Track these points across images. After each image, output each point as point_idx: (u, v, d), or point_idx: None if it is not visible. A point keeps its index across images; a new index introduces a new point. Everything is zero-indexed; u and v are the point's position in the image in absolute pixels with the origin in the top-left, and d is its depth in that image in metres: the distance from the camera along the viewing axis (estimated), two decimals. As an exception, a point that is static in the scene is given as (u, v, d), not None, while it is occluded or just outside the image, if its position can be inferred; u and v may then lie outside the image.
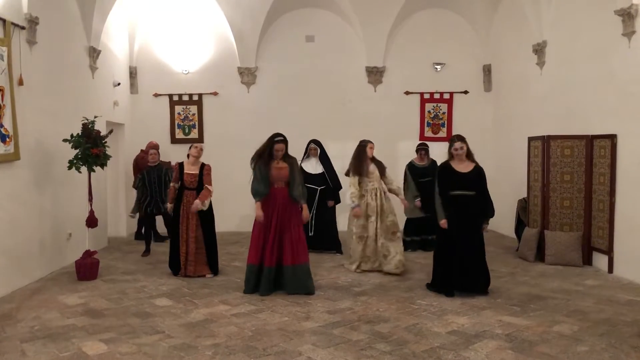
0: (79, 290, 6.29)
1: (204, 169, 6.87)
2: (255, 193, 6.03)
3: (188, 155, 6.95)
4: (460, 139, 5.92)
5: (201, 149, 6.99)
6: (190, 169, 6.87)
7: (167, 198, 7.32)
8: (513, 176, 9.04)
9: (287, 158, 6.10)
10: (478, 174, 5.88)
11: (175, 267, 6.92)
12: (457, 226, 5.78)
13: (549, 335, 4.69)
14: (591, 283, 6.51)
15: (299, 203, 6.06)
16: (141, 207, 8.32)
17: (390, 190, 7.17)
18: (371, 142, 7.18)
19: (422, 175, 8.37)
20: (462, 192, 5.81)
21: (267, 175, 5.98)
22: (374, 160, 7.14)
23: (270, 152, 6.00)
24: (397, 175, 8.53)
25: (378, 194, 6.98)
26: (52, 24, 7.21)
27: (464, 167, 5.88)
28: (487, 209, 5.90)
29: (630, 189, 6.68)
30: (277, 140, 6.02)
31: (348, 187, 7.10)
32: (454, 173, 5.86)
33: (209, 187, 6.80)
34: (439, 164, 8.31)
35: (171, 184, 7.03)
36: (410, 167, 8.54)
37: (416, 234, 8.51)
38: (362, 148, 7.11)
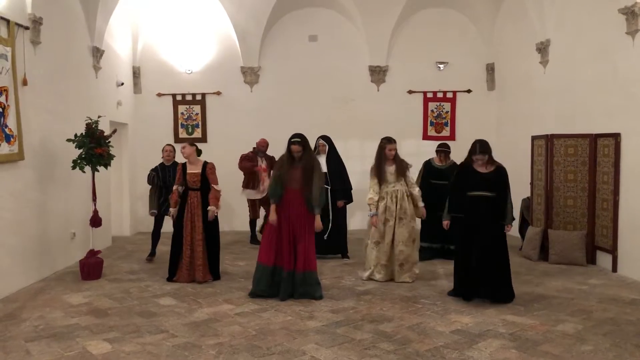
0: (83, 289, 6.30)
1: (206, 167, 6.59)
2: (271, 194, 5.89)
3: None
4: (482, 150, 5.60)
5: (180, 149, 6.62)
6: (192, 168, 6.60)
7: (171, 202, 6.74)
8: (516, 175, 8.97)
9: (306, 159, 5.82)
10: (499, 174, 5.64)
11: (172, 272, 6.62)
12: (475, 228, 5.58)
13: (553, 334, 4.68)
14: (595, 282, 6.50)
15: (312, 212, 5.78)
16: (159, 205, 7.82)
17: (410, 195, 6.57)
18: (391, 143, 6.55)
19: (438, 176, 7.75)
20: (480, 192, 5.60)
21: (283, 177, 5.80)
22: (395, 160, 6.57)
23: (289, 154, 5.84)
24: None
25: (399, 196, 6.47)
26: (56, 24, 7.23)
27: (484, 168, 5.66)
28: (504, 212, 5.66)
29: (634, 187, 6.66)
30: (293, 142, 5.82)
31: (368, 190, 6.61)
32: (474, 173, 5.65)
33: (215, 187, 6.55)
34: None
35: (174, 187, 6.69)
36: (427, 165, 7.95)
37: (434, 241, 7.77)
38: (381, 149, 6.58)
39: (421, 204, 6.58)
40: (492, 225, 5.62)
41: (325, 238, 7.58)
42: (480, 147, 5.61)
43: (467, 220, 5.64)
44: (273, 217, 5.83)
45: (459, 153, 8.11)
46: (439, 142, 8.38)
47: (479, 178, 5.64)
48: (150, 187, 7.96)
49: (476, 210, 5.60)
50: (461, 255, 5.72)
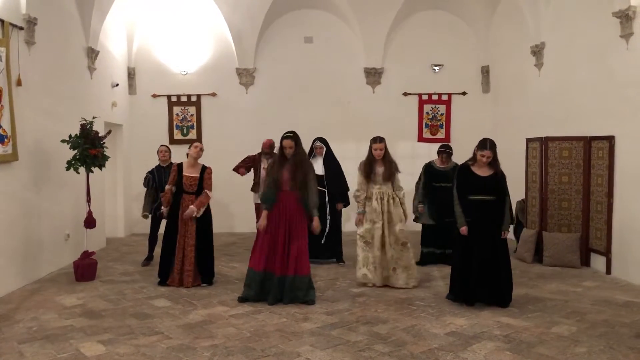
0: (77, 291, 6.28)
1: (205, 172, 6.44)
2: (264, 200, 5.74)
3: (187, 155, 6.55)
4: (492, 147, 5.53)
5: (201, 149, 6.52)
6: (190, 171, 6.41)
7: (162, 201, 6.65)
8: (511, 177, 8.97)
9: (298, 157, 5.67)
10: (498, 178, 5.55)
11: (165, 275, 6.48)
12: (475, 233, 5.52)
13: (547, 336, 4.69)
14: (589, 284, 6.52)
15: (311, 214, 5.68)
16: (152, 209, 7.75)
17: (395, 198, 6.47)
18: (376, 142, 6.39)
19: (439, 179, 7.51)
20: (480, 196, 5.53)
21: (278, 177, 5.66)
22: (385, 160, 6.43)
23: (282, 152, 5.68)
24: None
25: (385, 198, 6.35)
26: (51, 24, 7.21)
27: (483, 171, 5.59)
28: (503, 217, 5.57)
29: (628, 190, 6.69)
30: (285, 137, 5.65)
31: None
32: (472, 175, 5.58)
33: (208, 192, 6.42)
34: None
35: (167, 187, 6.49)
36: (428, 167, 7.67)
37: (436, 245, 7.57)
38: (369, 148, 6.47)
39: (404, 207, 6.49)
40: (492, 229, 5.54)
41: (322, 242, 7.40)
42: (490, 143, 5.56)
43: (468, 224, 5.56)
44: (263, 222, 5.70)
45: (454, 155, 8.17)
46: (441, 144, 8.12)
47: (477, 181, 5.55)
48: (145, 189, 7.85)
49: (476, 213, 5.52)
50: (461, 259, 5.64)
